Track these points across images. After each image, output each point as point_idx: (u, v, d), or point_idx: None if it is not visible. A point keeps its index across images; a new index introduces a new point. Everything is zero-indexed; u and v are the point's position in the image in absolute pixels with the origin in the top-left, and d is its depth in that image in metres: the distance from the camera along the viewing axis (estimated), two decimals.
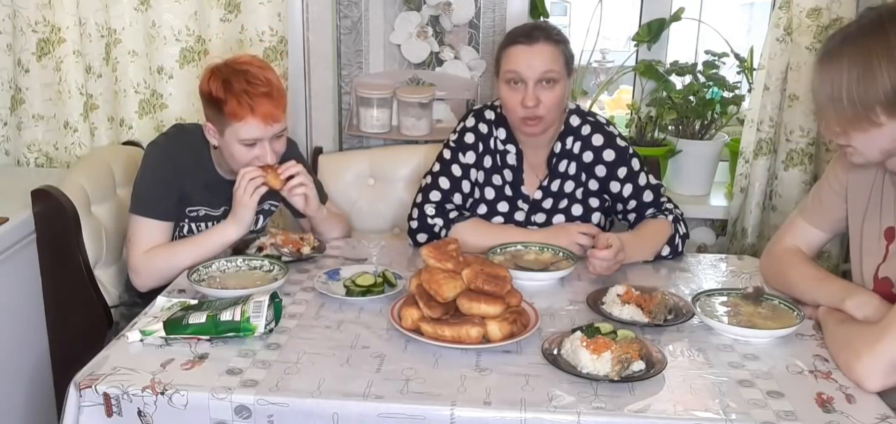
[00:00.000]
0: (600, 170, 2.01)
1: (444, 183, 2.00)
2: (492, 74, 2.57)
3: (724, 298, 1.66)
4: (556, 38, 1.89)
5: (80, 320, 1.93)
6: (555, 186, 2.02)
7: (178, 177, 1.89)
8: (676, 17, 2.66)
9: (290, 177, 1.87)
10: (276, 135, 1.86)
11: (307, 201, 1.91)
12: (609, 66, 2.86)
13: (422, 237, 1.96)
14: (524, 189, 2.03)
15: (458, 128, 2.06)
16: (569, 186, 2.02)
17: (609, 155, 2.00)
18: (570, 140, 2.01)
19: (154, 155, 1.92)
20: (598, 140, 2.00)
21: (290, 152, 2.02)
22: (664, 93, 2.62)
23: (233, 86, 1.80)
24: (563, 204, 2.02)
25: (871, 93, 1.36)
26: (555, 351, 1.41)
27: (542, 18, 2.52)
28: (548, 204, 2.03)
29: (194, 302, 1.58)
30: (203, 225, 1.97)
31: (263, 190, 1.84)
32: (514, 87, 1.89)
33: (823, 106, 1.45)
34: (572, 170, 2.02)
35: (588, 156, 2.01)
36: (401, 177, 2.56)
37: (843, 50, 1.40)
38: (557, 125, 1.99)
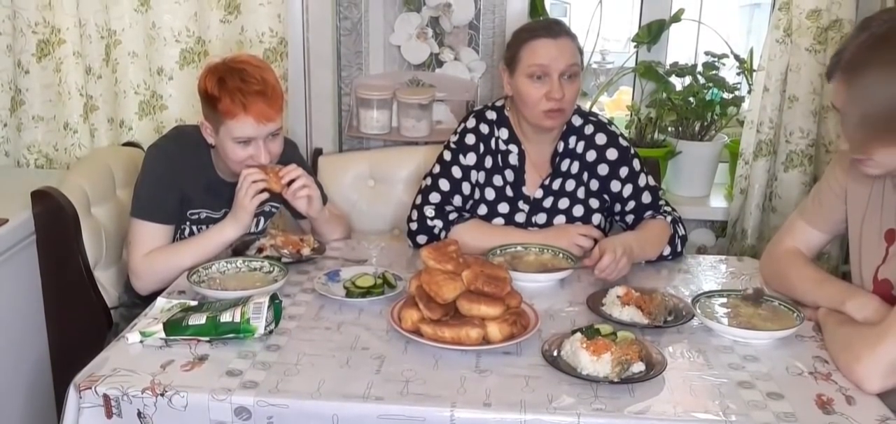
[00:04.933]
0: (603, 169, 2.01)
1: (444, 184, 2.00)
2: (491, 75, 2.58)
3: (724, 299, 1.66)
4: (573, 34, 1.95)
5: (80, 321, 1.93)
6: (556, 185, 2.02)
7: (179, 180, 1.89)
8: (676, 18, 2.66)
9: (292, 182, 1.86)
10: (271, 135, 1.86)
11: (310, 203, 1.90)
12: (609, 68, 2.86)
13: (421, 238, 1.96)
14: (525, 189, 2.03)
15: (458, 130, 2.06)
16: (570, 184, 2.02)
17: (612, 154, 2.00)
18: (572, 139, 2.01)
19: (154, 158, 1.91)
20: (601, 139, 2.01)
21: (291, 154, 2.02)
22: (664, 95, 2.61)
23: (227, 83, 1.79)
24: (564, 204, 2.02)
25: None
26: (555, 353, 1.41)
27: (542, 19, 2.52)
28: (548, 203, 2.03)
29: (194, 303, 1.58)
30: (204, 227, 1.96)
31: (264, 195, 1.84)
32: (537, 82, 1.89)
33: (852, 121, 1.41)
34: (575, 168, 2.02)
35: (591, 155, 2.01)
36: (401, 178, 2.56)
37: (872, 61, 1.36)
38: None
